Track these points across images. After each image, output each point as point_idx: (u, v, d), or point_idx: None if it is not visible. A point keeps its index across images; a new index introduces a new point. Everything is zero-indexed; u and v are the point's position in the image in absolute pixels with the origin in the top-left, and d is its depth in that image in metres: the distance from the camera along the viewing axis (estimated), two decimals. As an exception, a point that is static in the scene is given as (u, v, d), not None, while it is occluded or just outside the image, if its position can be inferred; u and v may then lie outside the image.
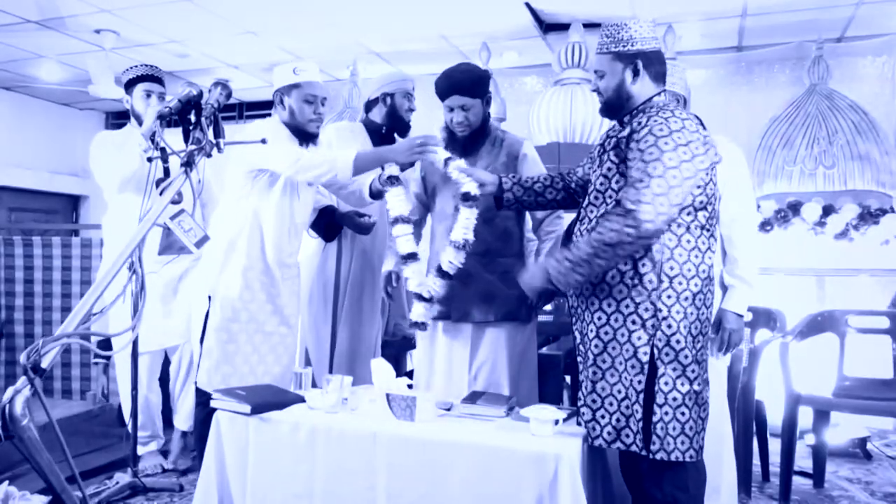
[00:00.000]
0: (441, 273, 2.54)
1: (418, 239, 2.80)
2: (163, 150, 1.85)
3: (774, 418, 3.46)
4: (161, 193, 1.81)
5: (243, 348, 2.71)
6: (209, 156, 1.87)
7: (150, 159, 1.96)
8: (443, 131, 2.77)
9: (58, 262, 4.77)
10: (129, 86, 3.40)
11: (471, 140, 2.70)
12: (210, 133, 1.94)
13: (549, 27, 4.76)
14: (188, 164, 1.80)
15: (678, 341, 1.94)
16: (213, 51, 5.20)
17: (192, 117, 1.90)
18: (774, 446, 3.42)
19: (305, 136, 2.74)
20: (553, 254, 2.12)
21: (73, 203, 7.09)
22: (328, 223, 3.07)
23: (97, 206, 6.98)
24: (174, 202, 1.78)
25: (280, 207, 2.74)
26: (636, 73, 2.05)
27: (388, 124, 3.16)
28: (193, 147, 1.84)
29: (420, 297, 2.58)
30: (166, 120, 3.21)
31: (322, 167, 2.56)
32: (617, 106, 2.09)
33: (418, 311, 2.60)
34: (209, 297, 2.73)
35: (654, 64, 2.07)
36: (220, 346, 2.68)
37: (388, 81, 3.19)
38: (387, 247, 2.96)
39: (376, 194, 2.71)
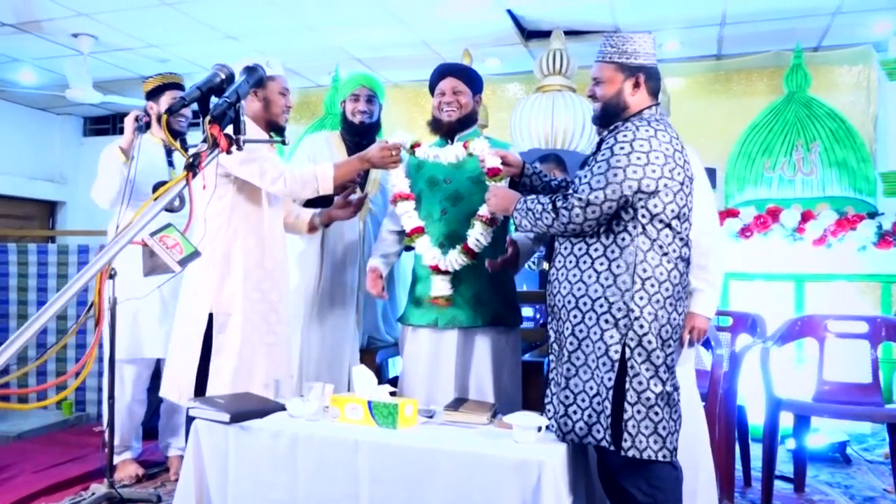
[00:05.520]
0: (467, 251, 2.56)
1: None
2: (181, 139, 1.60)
3: (755, 423, 3.48)
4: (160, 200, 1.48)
5: (251, 362, 2.61)
6: (229, 152, 1.60)
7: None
8: (429, 125, 2.76)
9: (34, 268, 4.70)
10: (154, 95, 3.38)
11: (458, 127, 2.67)
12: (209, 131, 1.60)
13: (531, 34, 4.78)
14: (191, 165, 1.49)
15: (650, 342, 1.99)
16: (193, 55, 5.16)
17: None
18: (756, 451, 3.44)
19: (276, 128, 2.73)
20: (536, 197, 2.19)
21: (49, 209, 6.99)
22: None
23: (74, 213, 6.90)
24: (171, 210, 1.48)
25: (270, 213, 2.70)
26: (636, 86, 2.13)
27: (346, 130, 3.18)
28: (203, 146, 1.53)
29: (438, 271, 2.59)
30: (145, 126, 3.19)
31: (305, 183, 2.58)
32: (612, 114, 2.15)
33: (439, 286, 2.60)
34: (209, 315, 2.57)
35: (653, 79, 2.16)
36: (230, 364, 2.57)
37: (340, 90, 3.25)
38: (374, 248, 2.91)
39: (313, 229, 2.90)
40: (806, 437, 3.36)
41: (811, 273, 4.48)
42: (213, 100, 1.70)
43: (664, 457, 1.98)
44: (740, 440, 3.44)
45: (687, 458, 2.44)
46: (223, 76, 1.69)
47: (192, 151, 1.52)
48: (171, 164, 3.46)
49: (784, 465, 3.61)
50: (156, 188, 1.50)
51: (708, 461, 2.65)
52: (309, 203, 3.00)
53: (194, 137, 1.69)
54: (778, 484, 3.36)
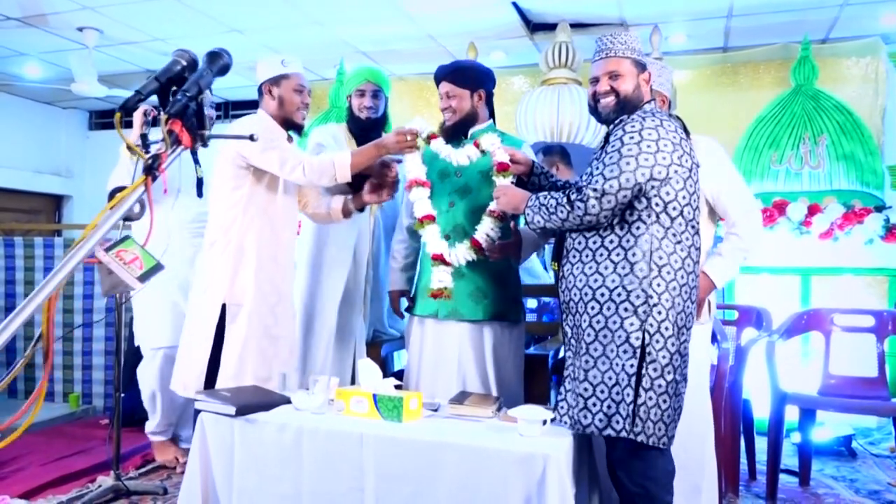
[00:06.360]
0: (476, 246, 2.55)
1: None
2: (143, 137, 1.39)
3: (761, 417, 3.48)
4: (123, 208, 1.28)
5: (257, 354, 2.63)
6: (193, 149, 1.43)
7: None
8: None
9: (40, 262, 4.72)
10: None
11: (458, 129, 2.67)
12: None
13: (537, 27, 4.76)
14: (150, 168, 1.30)
15: (667, 328, 2.01)
16: (197, 49, 5.10)
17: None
18: (761, 445, 3.44)
19: (293, 126, 2.73)
20: (548, 193, 2.22)
21: (55, 203, 7.02)
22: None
23: (80, 206, 6.92)
24: (129, 218, 1.31)
25: (284, 202, 2.70)
26: (647, 81, 2.23)
27: (352, 125, 3.17)
28: (161, 146, 1.34)
29: (441, 261, 2.58)
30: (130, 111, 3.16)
31: (324, 170, 2.57)
32: (630, 108, 2.17)
33: (440, 276, 2.57)
34: (222, 306, 2.58)
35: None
36: (237, 355, 2.58)
37: (346, 84, 3.23)
38: (390, 269, 2.96)
39: (348, 214, 2.84)
40: (811, 431, 3.36)
41: (817, 267, 4.47)
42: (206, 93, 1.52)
43: (663, 444, 2.01)
44: (745, 434, 3.44)
45: (693, 454, 2.44)
46: (184, 63, 1.50)
47: (151, 152, 1.33)
48: (196, 160, 3.39)
49: (789, 459, 3.61)
50: (112, 195, 1.33)
51: (712, 458, 2.64)
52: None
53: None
54: (783, 477, 3.36)
